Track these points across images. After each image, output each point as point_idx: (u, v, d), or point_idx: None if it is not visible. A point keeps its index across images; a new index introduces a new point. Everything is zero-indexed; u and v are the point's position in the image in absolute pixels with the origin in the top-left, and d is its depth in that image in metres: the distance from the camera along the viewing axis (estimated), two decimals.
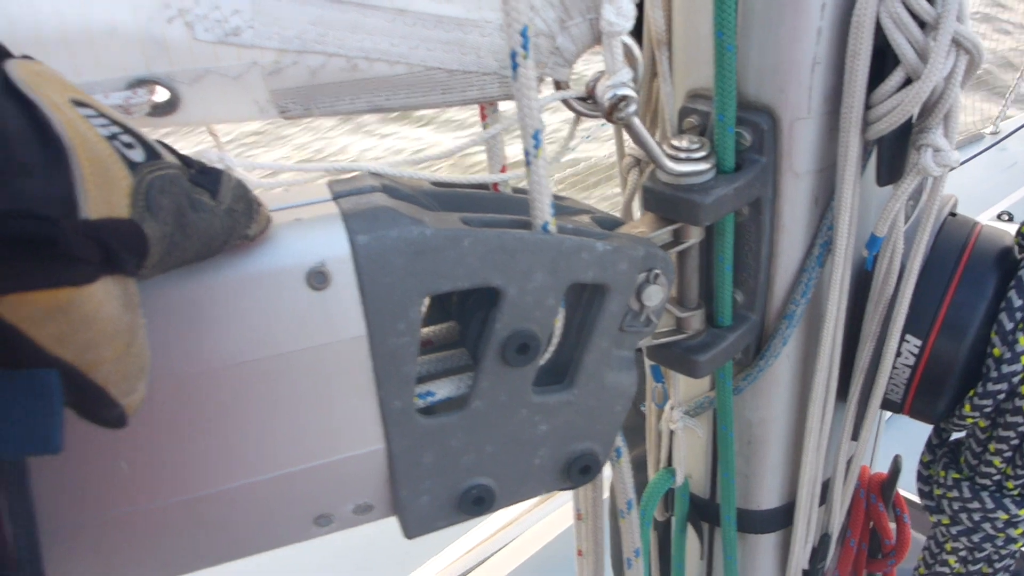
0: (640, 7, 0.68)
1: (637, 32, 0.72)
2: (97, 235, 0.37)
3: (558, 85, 0.62)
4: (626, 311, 0.64)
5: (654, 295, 0.64)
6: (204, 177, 0.47)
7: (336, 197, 0.58)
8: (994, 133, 4.55)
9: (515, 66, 0.53)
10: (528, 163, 0.57)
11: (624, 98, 0.59)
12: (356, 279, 0.55)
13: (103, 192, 0.38)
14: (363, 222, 0.55)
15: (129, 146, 0.41)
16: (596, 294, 0.62)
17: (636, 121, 0.61)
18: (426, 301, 0.60)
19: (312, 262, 0.54)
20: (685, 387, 0.87)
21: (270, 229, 0.55)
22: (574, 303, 0.64)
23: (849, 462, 0.91)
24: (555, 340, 0.63)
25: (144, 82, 0.57)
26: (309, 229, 0.55)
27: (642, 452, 1.08)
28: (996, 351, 0.75)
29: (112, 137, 0.40)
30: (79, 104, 0.39)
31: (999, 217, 3.65)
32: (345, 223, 0.55)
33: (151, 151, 0.43)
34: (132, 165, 0.40)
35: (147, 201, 0.41)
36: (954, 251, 0.77)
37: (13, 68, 0.37)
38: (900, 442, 1.08)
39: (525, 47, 0.52)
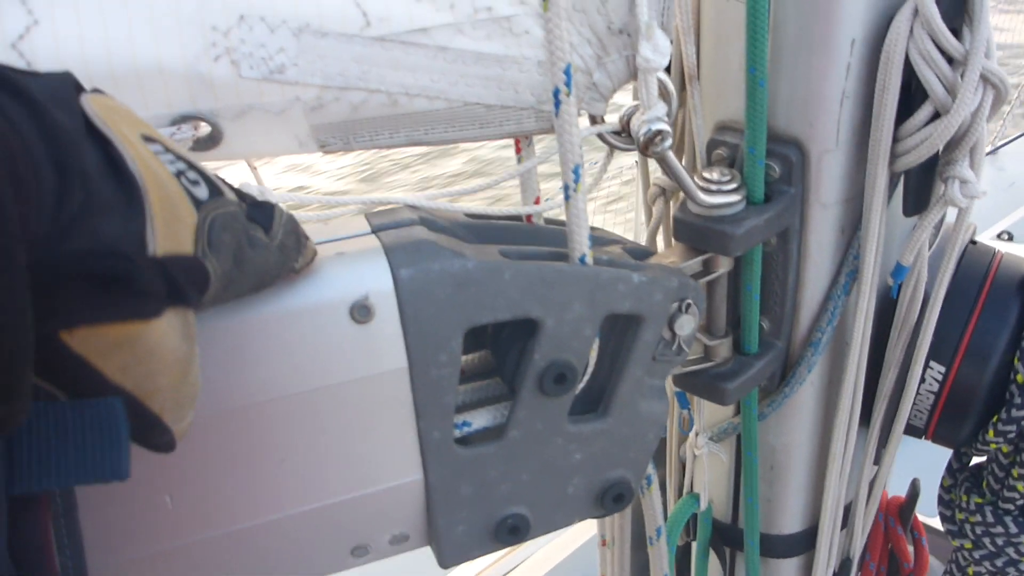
0: None
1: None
2: (165, 271, 0.38)
3: (593, 119, 0.63)
4: (659, 340, 0.65)
5: (686, 324, 0.65)
6: (259, 212, 0.48)
7: (376, 230, 0.59)
8: (992, 152, 4.59)
9: (557, 103, 0.54)
10: (567, 197, 0.58)
11: (660, 133, 0.60)
12: (399, 312, 0.55)
13: (171, 229, 0.39)
14: (405, 255, 0.56)
15: (195, 183, 0.42)
16: (630, 324, 0.63)
17: (671, 155, 0.62)
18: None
19: (356, 296, 0.55)
20: (709, 413, 0.88)
21: (315, 263, 0.55)
22: (608, 332, 0.64)
23: (871, 486, 0.91)
24: (590, 369, 0.64)
25: (189, 118, 0.58)
26: (352, 263, 0.56)
27: (660, 477, 1.09)
28: (1020, 377, 0.75)
29: (179, 174, 0.41)
30: (148, 140, 0.40)
31: (999, 237, 3.68)
32: (388, 256, 0.56)
33: (214, 188, 0.43)
34: (197, 203, 0.41)
35: (210, 238, 0.42)
36: (976, 278, 0.78)
37: (88, 103, 0.38)
38: (915, 464, 1.08)
39: (568, 84, 0.54)
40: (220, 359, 0.53)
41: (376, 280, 0.55)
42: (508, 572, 2.35)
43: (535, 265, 0.58)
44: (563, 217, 0.61)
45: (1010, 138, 4.78)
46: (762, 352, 0.76)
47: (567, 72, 0.53)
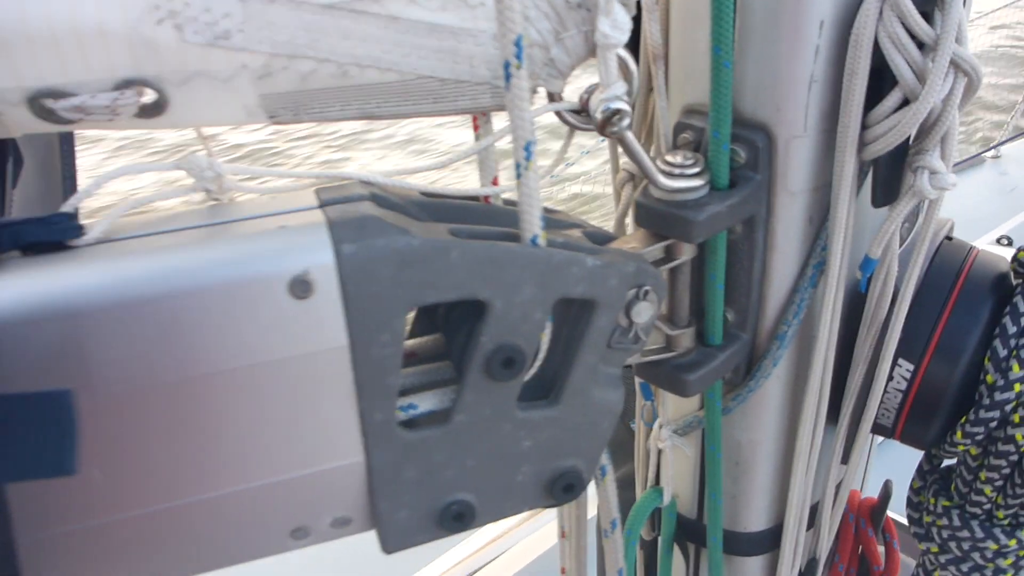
0: (637, 20, 0.67)
1: (634, 45, 0.72)
2: None
3: (551, 97, 0.61)
4: (615, 327, 0.63)
5: (643, 312, 0.64)
6: None
7: (323, 205, 0.57)
8: (995, 157, 4.56)
9: (508, 76, 0.52)
10: (519, 175, 0.56)
11: (618, 112, 0.58)
12: (340, 288, 0.54)
13: None
14: (349, 230, 0.54)
15: None
16: (584, 309, 0.62)
17: (629, 135, 0.60)
18: (412, 312, 0.59)
19: (295, 270, 0.53)
20: (674, 406, 0.86)
21: (255, 236, 0.54)
22: (562, 317, 0.63)
23: (838, 486, 0.90)
24: (541, 355, 0.62)
25: (132, 83, 0.56)
26: (293, 236, 0.54)
27: (630, 470, 1.07)
28: (989, 378, 0.74)
29: None
30: None
31: (998, 241, 3.65)
32: (330, 231, 0.54)
33: None
34: None
35: None
36: (949, 275, 0.76)
37: None
38: (891, 466, 1.07)
39: (519, 57, 0.52)
40: (153, 331, 0.52)
41: (317, 255, 0.53)
42: (479, 568, 2.34)
43: (484, 245, 0.56)
44: None
45: (1009, 136, 4.74)
46: (726, 344, 0.74)
47: (518, 44, 0.51)
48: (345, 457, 0.59)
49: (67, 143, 1.05)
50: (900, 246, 0.73)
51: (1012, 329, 0.72)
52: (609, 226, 0.84)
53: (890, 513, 1.00)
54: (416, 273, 0.55)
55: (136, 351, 0.52)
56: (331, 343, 0.55)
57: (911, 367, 0.76)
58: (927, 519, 0.86)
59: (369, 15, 0.56)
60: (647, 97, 0.73)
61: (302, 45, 0.56)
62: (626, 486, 1.11)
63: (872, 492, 1.03)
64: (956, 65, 0.59)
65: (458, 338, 0.61)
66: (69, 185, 1.09)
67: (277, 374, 0.55)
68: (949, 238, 0.80)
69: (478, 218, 0.65)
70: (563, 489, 0.67)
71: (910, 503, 0.90)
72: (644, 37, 0.68)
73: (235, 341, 0.54)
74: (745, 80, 0.65)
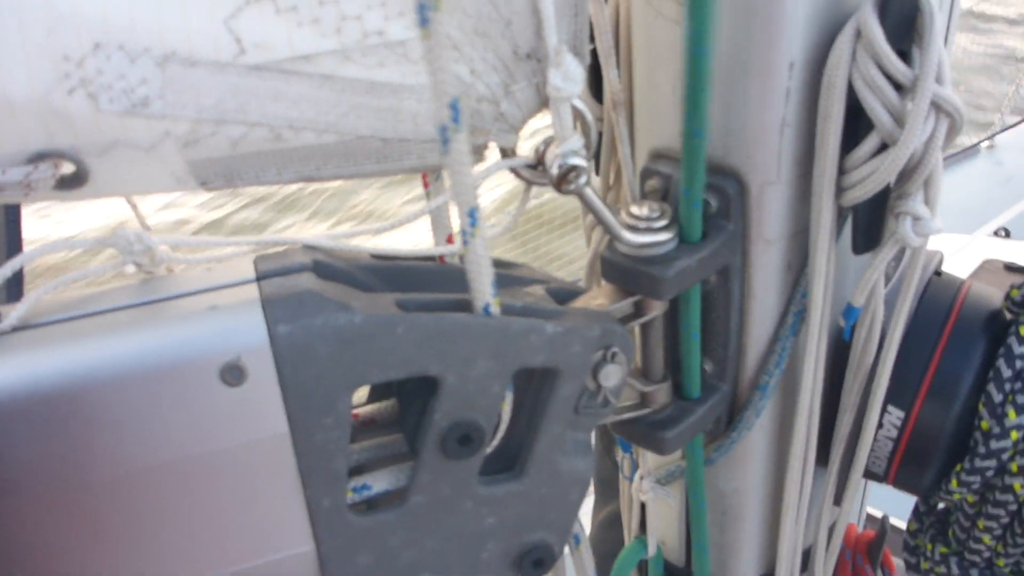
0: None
1: (600, 87, 0.68)
2: None
3: (504, 152, 0.57)
4: (582, 391, 0.59)
5: (612, 375, 0.59)
6: None
7: (260, 277, 0.53)
8: (990, 147, 4.50)
9: (445, 140, 0.48)
10: (465, 242, 0.52)
11: (574, 168, 0.54)
12: (276, 372, 0.50)
13: None
14: (285, 309, 0.50)
15: None
16: (547, 378, 0.58)
17: (588, 192, 0.56)
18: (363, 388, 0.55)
19: (226, 356, 0.49)
20: (654, 455, 0.82)
21: (185, 318, 0.50)
22: (524, 386, 0.59)
23: (832, 528, 0.85)
24: (503, 426, 0.58)
25: (46, 156, 0.52)
26: (225, 318, 0.50)
27: (617, 507, 1.03)
28: (984, 424, 0.70)
29: None
30: None
31: (996, 233, 3.60)
32: (264, 310, 0.50)
33: None
34: None
35: None
36: (939, 316, 0.72)
37: None
38: (888, 498, 1.03)
39: (456, 120, 0.48)
40: (79, 427, 0.48)
41: (249, 338, 0.49)
42: None
43: (433, 317, 0.52)
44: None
45: (1007, 125, 4.68)
46: (705, 397, 0.70)
47: (454, 107, 0.47)
48: (294, 547, 0.55)
49: (12, 213, 1.00)
50: (885, 286, 0.69)
51: (1007, 372, 0.68)
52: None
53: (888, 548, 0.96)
54: (359, 352, 0.51)
55: (56, 449, 0.48)
56: (270, 431, 0.51)
57: (901, 414, 0.72)
58: (924, 565, 0.82)
59: (301, 75, 0.52)
60: (613, 142, 0.69)
61: (230, 109, 0.52)
62: (614, 524, 1.07)
63: (872, 524, 0.99)
64: (937, 106, 0.55)
65: (410, 413, 0.57)
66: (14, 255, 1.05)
67: (214, 465, 0.51)
68: (938, 273, 0.76)
69: (432, 281, 0.61)
70: (533, 564, 0.63)
71: (907, 547, 0.86)
72: (604, 82, 0.64)
73: (166, 433, 0.50)
74: (714, 125, 0.60)
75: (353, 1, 0.51)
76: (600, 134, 0.72)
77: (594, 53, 0.65)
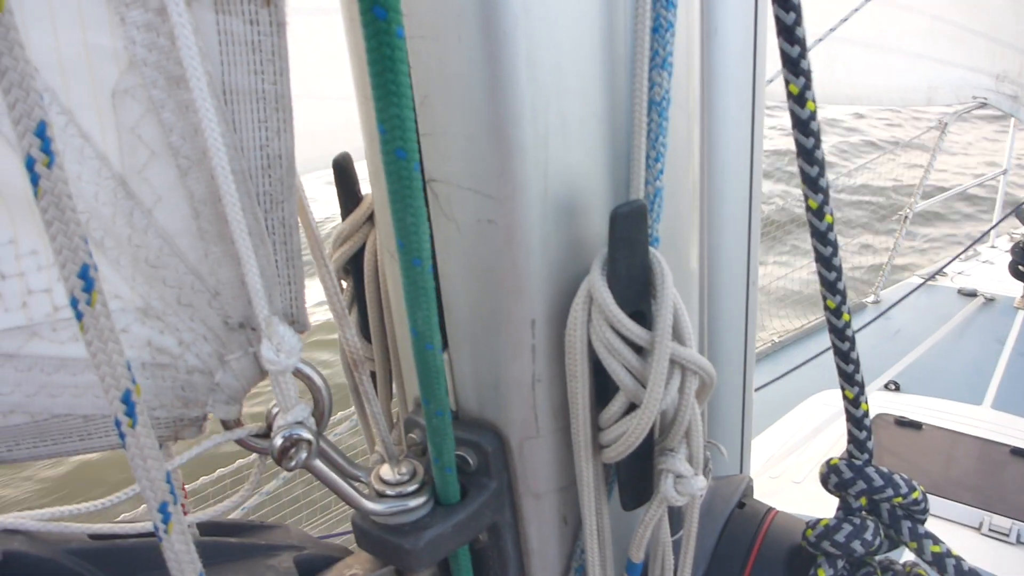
0: None
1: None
2: None
3: (226, 424, 0.53)
4: None
5: None
6: None
7: None
8: (876, 302, 4.70)
9: (122, 435, 0.43)
10: (160, 539, 0.46)
11: (297, 441, 0.50)
12: None
13: None
14: None
15: None
16: None
17: (317, 464, 0.52)
18: None
19: None
20: None
21: None
22: None
23: None
24: None
25: None
26: None
27: None
28: None
29: None
30: None
31: (886, 387, 3.69)
32: None
33: None
34: None
35: None
36: (739, 555, 0.68)
37: None
38: None
39: (132, 414, 0.43)
40: None
41: None
42: None
43: None
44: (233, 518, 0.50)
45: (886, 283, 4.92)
46: None
47: (126, 401, 0.42)
48: None
49: None
50: (678, 530, 0.65)
51: None
52: None
53: None
54: None
55: None
56: None
57: None
58: None
59: None
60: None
61: None
62: None
63: None
64: (680, 366, 0.53)
65: None
66: None
67: None
68: (742, 504, 0.73)
69: (156, 561, 0.54)
70: None
71: None
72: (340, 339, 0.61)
73: None
74: (464, 379, 0.57)
75: (40, 274, 0.47)
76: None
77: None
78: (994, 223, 5.13)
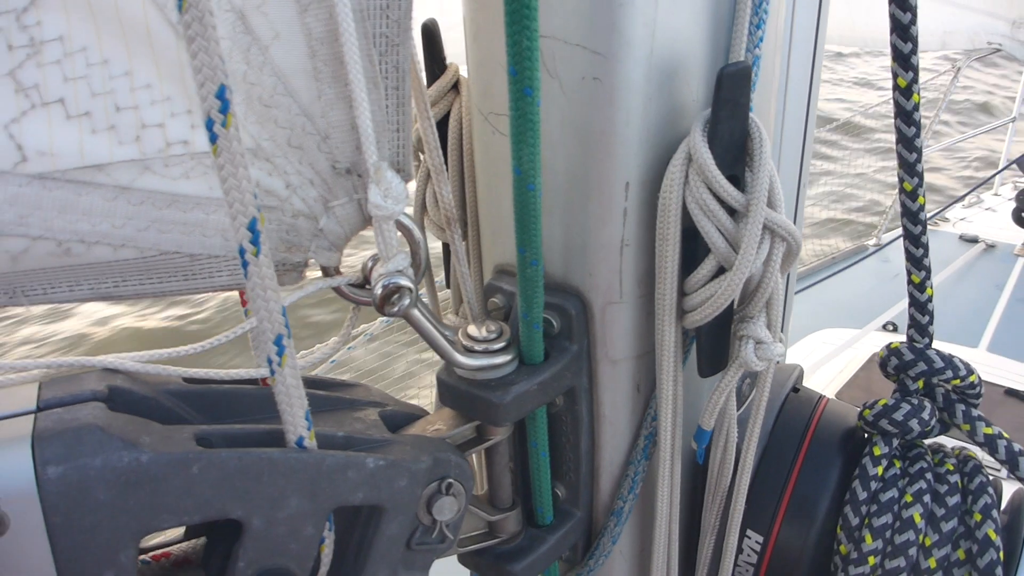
0: None
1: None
2: None
3: (326, 271, 0.53)
4: (415, 527, 0.55)
5: (447, 508, 0.55)
6: None
7: (42, 408, 0.47)
8: (877, 245, 4.73)
9: (245, 264, 0.44)
10: (272, 372, 0.47)
11: (399, 289, 0.51)
12: (44, 521, 0.43)
13: None
14: (58, 447, 0.44)
15: None
16: (372, 515, 0.53)
17: (415, 313, 0.53)
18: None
19: None
20: None
21: None
22: (348, 523, 0.54)
23: None
24: (323, 571, 0.53)
25: None
26: None
27: None
28: (843, 548, 0.67)
29: None
30: None
31: (885, 327, 3.74)
32: (33, 449, 0.44)
33: None
34: None
35: None
36: (795, 436, 0.70)
37: None
38: None
39: (256, 242, 0.44)
40: None
41: (12, 481, 0.43)
42: None
43: (234, 454, 0.47)
44: (323, 374, 0.51)
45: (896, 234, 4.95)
46: (557, 523, 0.66)
47: (252, 228, 0.43)
48: None
49: None
50: (740, 407, 0.67)
51: (862, 495, 0.67)
52: None
53: None
54: (146, 495, 0.45)
55: None
56: None
57: (760, 539, 0.69)
58: None
59: (92, 185, 0.47)
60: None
61: (8, 222, 0.47)
62: None
63: None
64: (771, 231, 0.54)
65: (216, 555, 0.51)
66: None
67: None
68: (796, 389, 0.75)
69: (251, 407, 0.55)
70: None
71: None
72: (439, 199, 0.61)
73: None
74: (553, 244, 0.58)
75: (154, 108, 0.47)
76: (446, 247, 0.69)
77: None
78: (998, 170, 5.14)
